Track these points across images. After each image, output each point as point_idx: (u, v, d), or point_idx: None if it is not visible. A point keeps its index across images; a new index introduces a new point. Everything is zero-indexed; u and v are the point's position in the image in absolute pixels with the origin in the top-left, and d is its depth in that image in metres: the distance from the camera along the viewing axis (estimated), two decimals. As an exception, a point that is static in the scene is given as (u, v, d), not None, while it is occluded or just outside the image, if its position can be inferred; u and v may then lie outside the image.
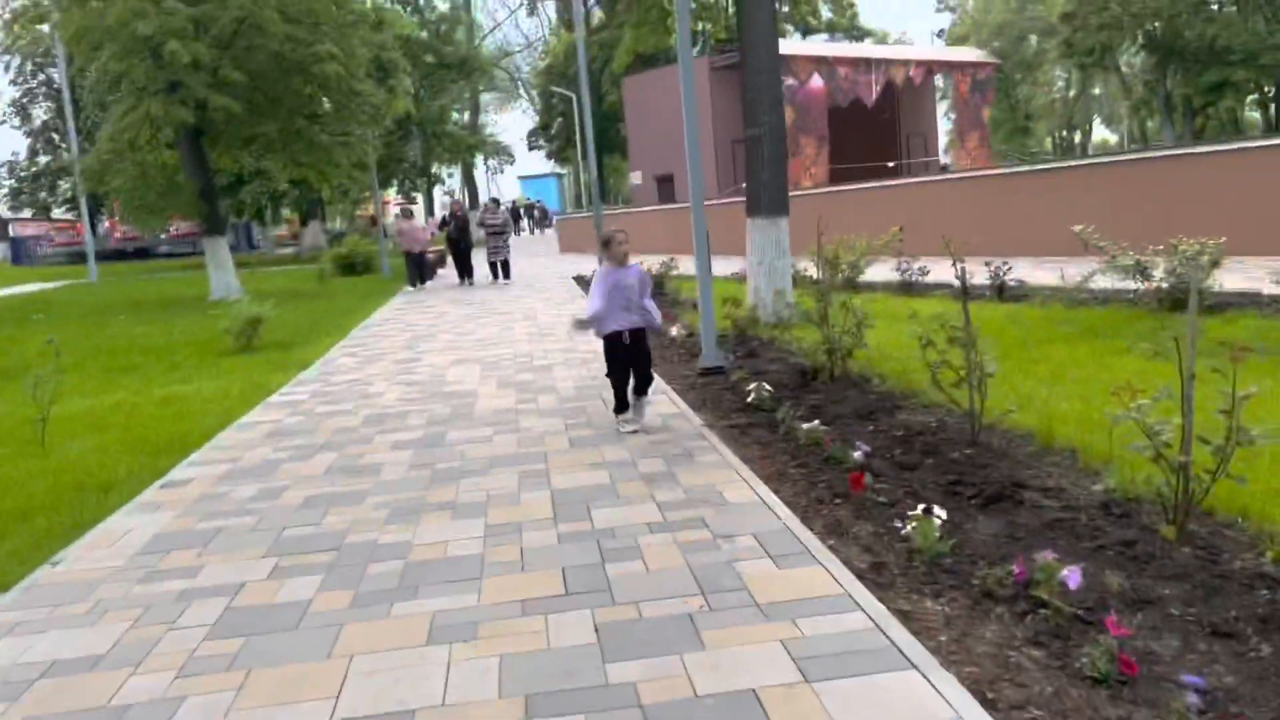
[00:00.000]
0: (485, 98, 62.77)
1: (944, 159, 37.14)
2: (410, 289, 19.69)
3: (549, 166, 73.37)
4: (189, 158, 19.64)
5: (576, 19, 22.36)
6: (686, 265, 18.02)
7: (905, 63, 32.60)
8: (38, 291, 27.74)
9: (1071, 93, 71.06)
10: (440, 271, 22.47)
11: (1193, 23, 41.46)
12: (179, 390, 9.84)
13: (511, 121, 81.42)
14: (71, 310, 20.42)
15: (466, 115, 50.71)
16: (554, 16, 57.36)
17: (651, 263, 18.44)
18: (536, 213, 62.45)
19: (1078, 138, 77.60)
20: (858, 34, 46.06)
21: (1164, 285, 9.91)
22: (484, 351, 10.97)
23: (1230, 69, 40.79)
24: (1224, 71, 41.01)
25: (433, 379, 9.37)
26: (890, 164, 33.13)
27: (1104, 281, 10.68)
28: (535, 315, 14.24)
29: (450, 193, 45.36)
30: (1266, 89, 47.17)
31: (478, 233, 21.43)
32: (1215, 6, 44.25)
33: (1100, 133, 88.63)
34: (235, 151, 20.96)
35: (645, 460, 5.72)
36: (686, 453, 5.83)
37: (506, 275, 20.21)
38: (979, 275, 13.86)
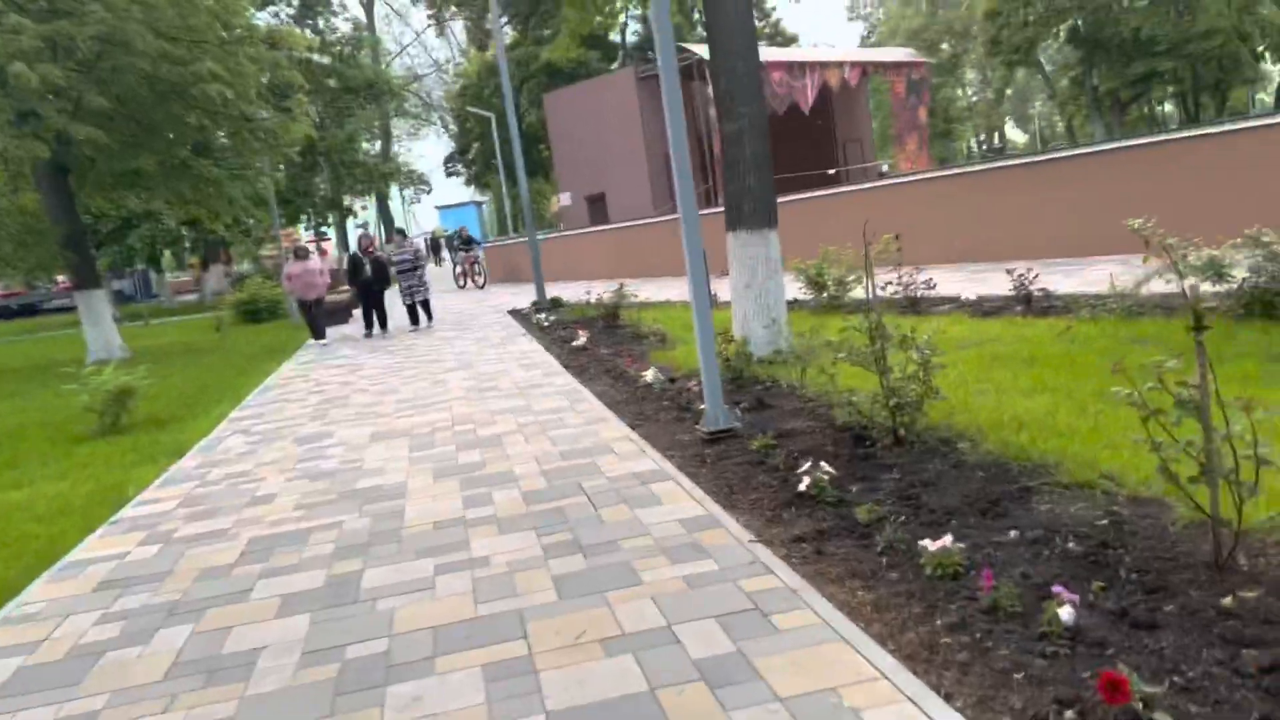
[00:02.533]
0: (397, 125, 60.09)
1: (884, 165, 35.76)
2: (314, 342, 16.51)
3: (468, 194, 70.85)
4: (52, 199, 16.85)
5: (496, 30, 20.09)
6: (640, 290, 15.91)
7: (840, 65, 31.07)
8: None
9: (990, 94, 71.11)
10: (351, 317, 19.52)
11: (1117, 15, 41.01)
12: (2, 499, 7.35)
13: (427, 148, 78.51)
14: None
15: (378, 144, 47.96)
16: (464, 38, 55.04)
17: (599, 289, 16.33)
18: (458, 241, 59.48)
19: (996, 139, 77.87)
20: (782, 40, 44.60)
21: (1250, 286, 8.08)
22: (412, 418, 8.66)
23: (1157, 59, 40.33)
24: (1151, 63, 40.55)
25: (345, 467, 7.03)
26: (831, 171, 31.53)
27: (1158, 285, 8.85)
28: (472, 363, 11.94)
29: (364, 225, 42.54)
30: (1186, 81, 47.05)
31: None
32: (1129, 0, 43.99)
33: (1012, 134, 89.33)
34: (109, 190, 18.16)
35: (691, 627, 3.53)
36: (752, 604, 3.65)
37: (429, 317, 17.33)
38: (990, 283, 11.90)
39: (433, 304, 17.97)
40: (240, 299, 22.10)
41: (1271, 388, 5.49)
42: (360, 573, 4.62)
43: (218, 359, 15.91)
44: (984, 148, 74.47)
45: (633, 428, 7.16)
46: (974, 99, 74.52)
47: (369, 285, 16.49)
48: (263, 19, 28.82)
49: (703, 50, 30.95)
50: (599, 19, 14.72)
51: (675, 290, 18.19)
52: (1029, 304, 10.05)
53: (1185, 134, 13.90)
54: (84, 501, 6.97)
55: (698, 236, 6.51)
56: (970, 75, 73.04)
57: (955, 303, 11.15)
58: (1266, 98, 54.40)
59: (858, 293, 12.13)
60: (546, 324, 15.06)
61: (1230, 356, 6.40)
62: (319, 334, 16.30)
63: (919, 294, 10.95)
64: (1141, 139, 14.39)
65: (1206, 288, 8.35)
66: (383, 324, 17.01)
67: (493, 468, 6.38)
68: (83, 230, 17.69)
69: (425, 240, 75.11)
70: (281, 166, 34.13)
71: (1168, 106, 58.81)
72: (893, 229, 13.85)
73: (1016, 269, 10.42)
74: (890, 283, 10.59)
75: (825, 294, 12.15)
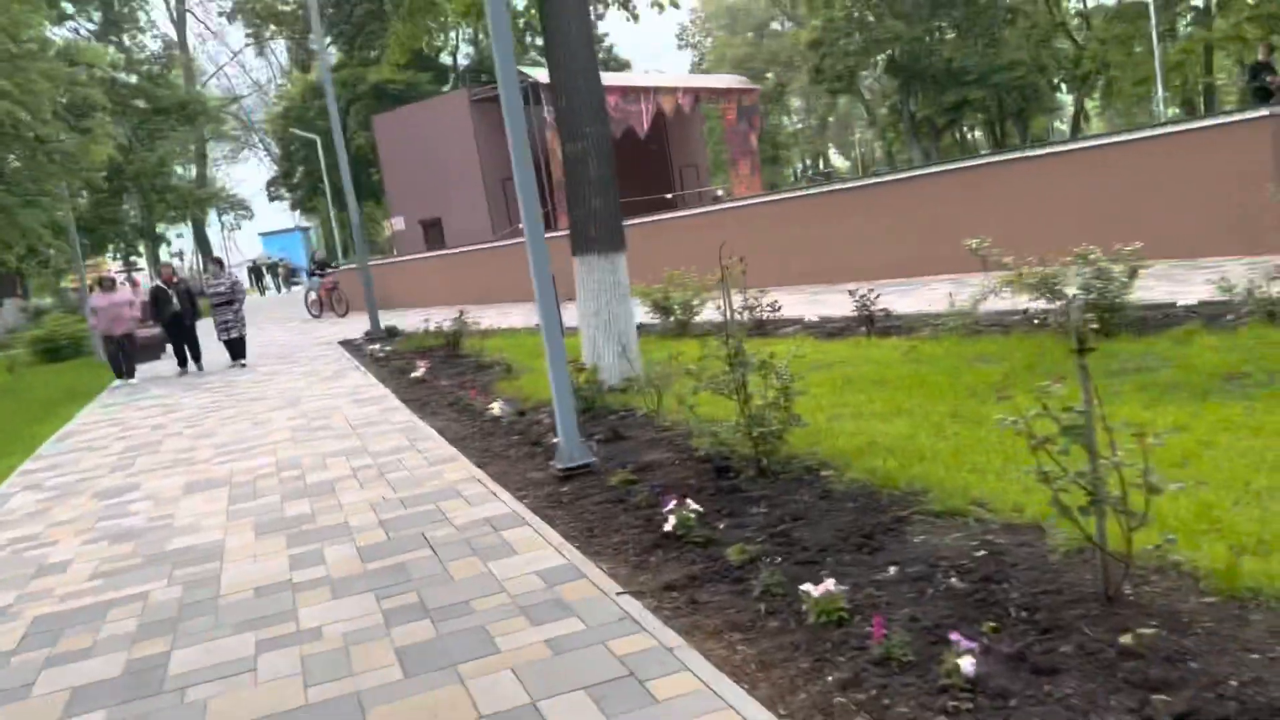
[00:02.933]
0: (215, 149, 57.06)
1: (718, 190, 36.36)
2: (120, 382, 14.84)
3: (293, 219, 68.04)
4: None
5: (320, 49, 19.11)
6: (482, 317, 15.35)
7: (673, 90, 31.39)
8: None
9: (813, 120, 73.97)
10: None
11: (931, 46, 43.39)
12: None
13: (248, 173, 75.05)
14: None
15: (193, 169, 45.24)
16: (285, 58, 52.89)
17: (438, 317, 15.68)
18: (281, 270, 56.98)
19: (820, 164, 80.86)
20: (615, 66, 44.95)
21: (1081, 303, 8.34)
22: (232, 464, 7.87)
23: (967, 88, 42.80)
24: (962, 91, 42.99)
25: (154, 524, 6.25)
26: (669, 196, 31.78)
27: (994, 303, 9.08)
28: (299, 399, 11.13)
29: (177, 254, 39.86)
30: (993, 110, 50.16)
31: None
32: (939, 33, 46.62)
33: (835, 159, 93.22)
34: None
35: (558, 702, 3.11)
36: (626, 670, 3.27)
37: (242, 355, 15.69)
38: (830, 303, 11.97)
39: (249, 338, 16.53)
40: (37, 336, 20.11)
41: (1117, 403, 5.56)
42: (168, 655, 3.98)
43: (8, 404, 14.35)
44: (810, 172, 77.25)
45: (480, 466, 6.68)
46: (798, 125, 77.37)
47: (177, 318, 15.05)
48: (59, 34, 26.56)
49: (539, 73, 30.67)
50: (428, 36, 14.13)
51: (518, 316, 17.73)
52: (871, 324, 10.13)
53: (998, 157, 14.57)
54: None
55: (545, 260, 6.13)
56: (795, 103, 75.80)
57: (799, 324, 11.17)
58: (1063, 125, 58.75)
59: (705, 316, 12.03)
60: (382, 355, 14.31)
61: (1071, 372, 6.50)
62: (128, 372, 14.85)
63: (764, 316, 10.92)
64: (959, 162, 14.99)
65: (1041, 305, 8.60)
66: (196, 359, 15.60)
67: (324, 520, 5.78)
68: None
69: (247, 267, 71.62)
70: (84, 192, 31.67)
71: (978, 133, 62.66)
72: (733, 251, 13.95)
73: (858, 289, 10.51)
74: (737, 306, 10.50)
75: (672, 318, 11.98)
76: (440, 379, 11.15)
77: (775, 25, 72.47)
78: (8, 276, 31.03)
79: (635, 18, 15.57)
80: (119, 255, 36.61)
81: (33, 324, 26.31)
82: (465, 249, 24.31)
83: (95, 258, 35.91)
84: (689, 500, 4.72)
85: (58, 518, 6.81)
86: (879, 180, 15.87)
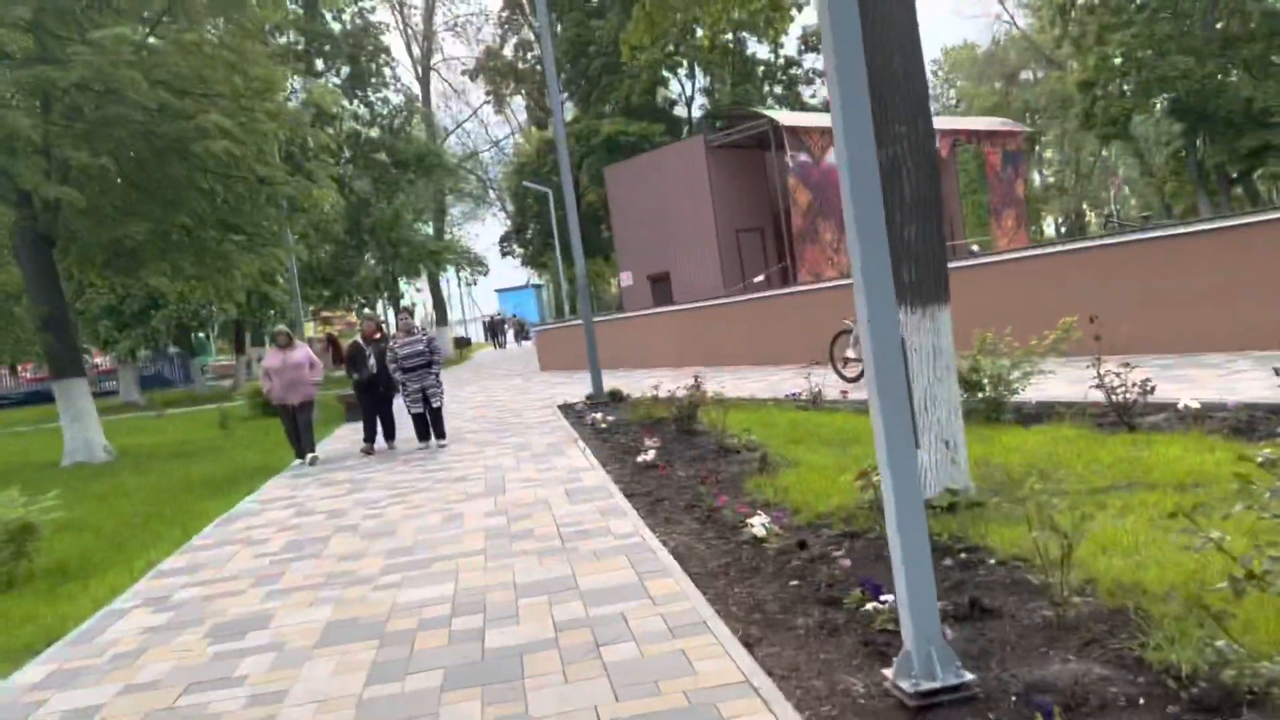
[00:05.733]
0: (454, 208, 58.62)
1: (974, 245, 32.62)
2: (298, 463, 12.14)
3: (524, 277, 69.06)
4: (31, 273, 14.47)
5: (553, 97, 17.52)
6: (717, 382, 12.88)
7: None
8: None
9: (1070, 172, 67.87)
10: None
11: (1224, 85, 37.86)
12: None
13: (484, 230, 77.09)
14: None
15: (430, 224, 46.06)
16: (524, 116, 53.53)
17: (665, 380, 13.36)
18: (512, 325, 58.30)
19: (1090, 217, 73.03)
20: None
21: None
22: (395, 593, 5.66)
23: (1271, 132, 36.91)
24: (1264, 136, 37.14)
25: (248, 712, 4.03)
26: (921, 249, 28.44)
27: None
28: (504, 484, 8.98)
29: (410, 306, 40.15)
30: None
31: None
32: (1231, 70, 40.76)
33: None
34: (99, 265, 15.67)
35: None
36: None
37: (439, 434, 12.41)
38: (1200, 381, 8.22)
39: (447, 411, 13.35)
40: (256, 387, 19.57)
41: None
42: None
43: (206, 465, 13.17)
44: (1113, 220, 70.11)
45: (751, 647, 4.10)
46: (1048, 179, 71.14)
47: (373, 383, 12.29)
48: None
49: (781, 115, 28.42)
50: (679, 17, 11.95)
51: (756, 382, 15.18)
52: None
53: None
54: None
55: (891, 311, 3.50)
56: (1050, 154, 69.90)
57: (1170, 411, 7.90)
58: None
59: (1026, 394, 8.96)
60: (604, 426, 12.10)
61: None
62: (304, 449, 12.13)
63: (1130, 398, 7.74)
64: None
65: None
66: (389, 435, 12.76)
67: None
68: (65, 310, 15.25)
69: (483, 322, 73.21)
70: (326, 247, 32.13)
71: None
72: (1046, 311, 10.75)
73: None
74: (1100, 381, 7.48)
75: (980, 395, 8.97)
76: (675, 464, 8.70)
77: (1026, 74, 67.34)
78: (246, 326, 31.72)
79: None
80: (353, 307, 37.02)
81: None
82: (695, 305, 22.06)
83: (328, 309, 36.71)
84: None
85: (139, 675, 4.76)
86: (1235, 222, 12.15)
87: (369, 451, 12.41)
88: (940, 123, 28.31)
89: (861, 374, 11.82)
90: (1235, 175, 41.94)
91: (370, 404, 12.50)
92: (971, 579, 4.66)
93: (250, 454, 13.37)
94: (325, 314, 42.06)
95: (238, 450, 14.26)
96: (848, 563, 4.97)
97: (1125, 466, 6.33)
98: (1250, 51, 38.04)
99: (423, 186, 37.22)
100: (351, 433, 12.92)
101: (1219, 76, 38.63)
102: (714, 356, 19.98)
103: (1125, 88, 39.48)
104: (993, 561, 4.90)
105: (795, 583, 5.05)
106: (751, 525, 6.01)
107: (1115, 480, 6.07)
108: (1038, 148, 64.32)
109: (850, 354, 13.41)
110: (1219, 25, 38.33)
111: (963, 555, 5.04)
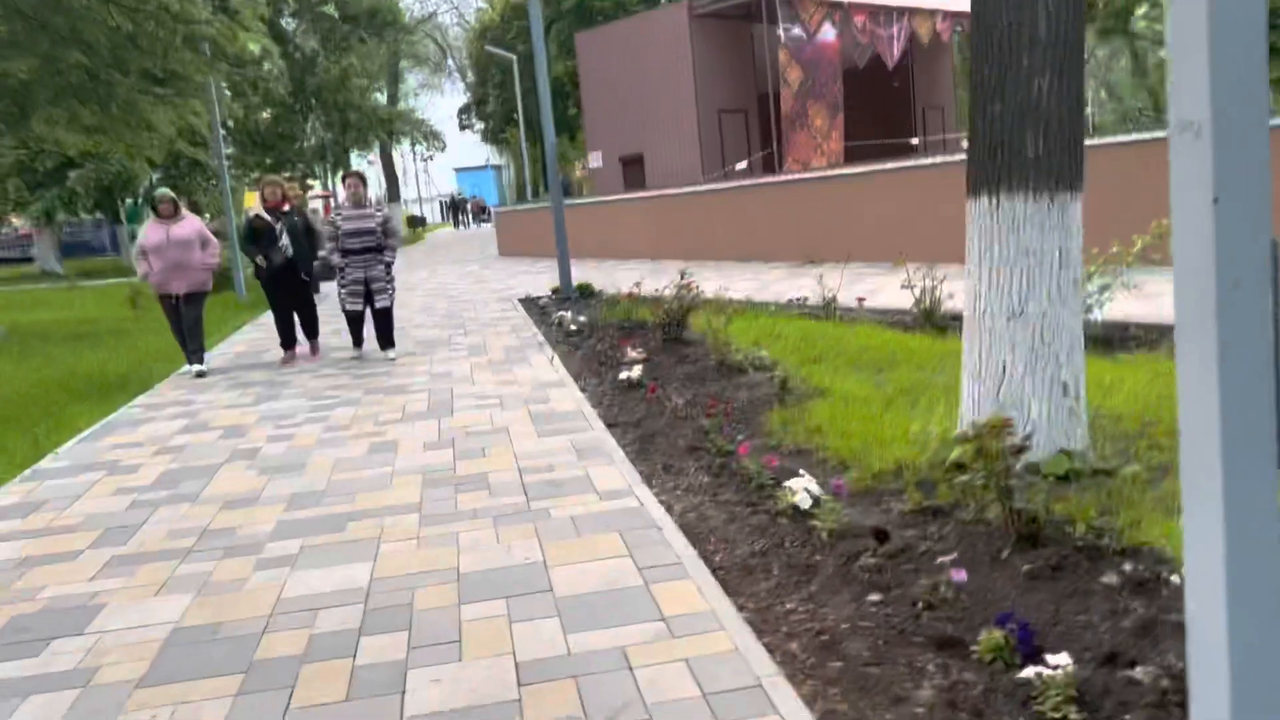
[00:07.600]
0: (411, 76, 55.01)
1: (966, 140, 30.62)
2: (187, 368, 9.38)
3: (483, 157, 65.85)
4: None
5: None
6: (702, 279, 11.12)
7: (931, 13, 25.98)
8: None
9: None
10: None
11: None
12: None
13: (442, 101, 72.83)
14: None
15: (383, 91, 42.77)
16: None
17: (641, 274, 11.55)
18: (472, 206, 56.15)
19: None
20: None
21: None
22: (282, 587, 3.94)
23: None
24: None
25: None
26: (914, 141, 26.56)
27: None
28: (452, 402, 7.22)
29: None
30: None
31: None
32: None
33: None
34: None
35: None
36: None
37: (387, 342, 9.56)
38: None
39: (396, 311, 10.08)
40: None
41: None
42: None
43: (103, 352, 11.22)
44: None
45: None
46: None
47: (287, 269, 9.56)
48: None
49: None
50: None
51: (746, 281, 13.45)
52: None
53: None
54: None
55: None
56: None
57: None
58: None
59: (1104, 312, 7.30)
60: (574, 327, 10.30)
61: None
62: (191, 356, 9.33)
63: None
64: None
65: None
66: (312, 336, 10.05)
67: None
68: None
69: (442, 202, 70.00)
70: (267, 110, 29.33)
71: None
72: (1132, 212, 8.86)
73: None
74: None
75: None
76: (669, 388, 6.94)
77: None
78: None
79: None
80: (295, 177, 34.14)
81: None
82: (675, 191, 20.06)
83: (269, 175, 33.82)
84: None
85: None
86: None
87: (289, 360, 9.77)
88: (944, 2, 26.02)
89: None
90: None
91: (284, 298, 9.77)
92: (1161, 615, 3.02)
93: (158, 340, 11.35)
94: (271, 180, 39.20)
95: (145, 335, 12.25)
96: (962, 576, 3.30)
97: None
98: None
99: (374, 46, 34.11)
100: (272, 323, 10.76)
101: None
102: (694, 250, 18.11)
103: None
104: (1175, 578, 3.28)
105: (876, 597, 3.40)
106: (791, 491, 4.32)
107: None
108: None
109: None
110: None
111: (1126, 567, 3.39)
